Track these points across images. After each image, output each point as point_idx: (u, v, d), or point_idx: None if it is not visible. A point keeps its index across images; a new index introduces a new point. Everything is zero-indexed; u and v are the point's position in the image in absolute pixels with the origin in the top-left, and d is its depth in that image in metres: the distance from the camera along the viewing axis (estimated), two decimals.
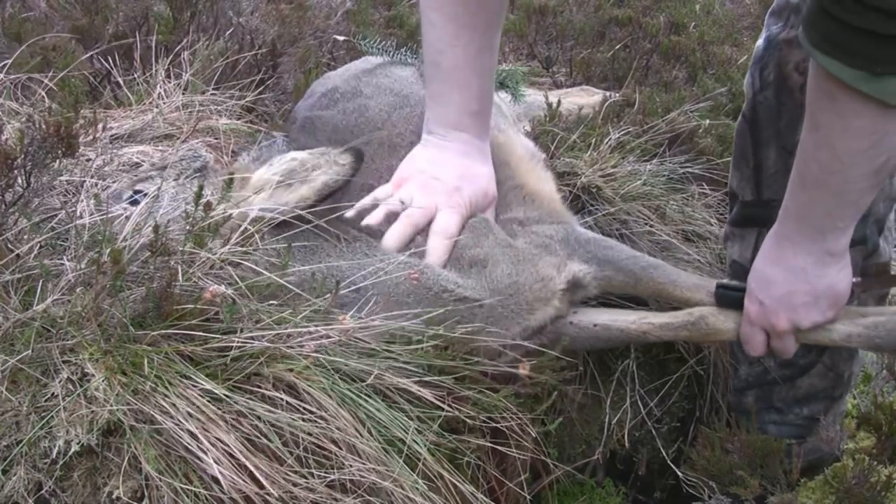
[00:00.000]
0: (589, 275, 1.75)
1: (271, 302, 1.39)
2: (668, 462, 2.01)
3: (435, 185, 1.72)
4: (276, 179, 1.56)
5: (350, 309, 1.48)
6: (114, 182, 1.63)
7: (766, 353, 1.66)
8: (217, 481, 1.19)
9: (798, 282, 1.52)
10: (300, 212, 1.54)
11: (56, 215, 1.43)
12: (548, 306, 1.70)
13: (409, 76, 2.10)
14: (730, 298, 1.69)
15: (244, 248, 1.43)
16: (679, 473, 1.79)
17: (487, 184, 1.81)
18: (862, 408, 2.18)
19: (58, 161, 1.40)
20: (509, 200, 1.86)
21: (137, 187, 1.59)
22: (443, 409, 1.40)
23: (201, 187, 1.39)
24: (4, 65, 1.88)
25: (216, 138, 2.04)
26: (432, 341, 1.46)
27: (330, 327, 1.38)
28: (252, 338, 1.32)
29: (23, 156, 1.33)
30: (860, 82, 1.20)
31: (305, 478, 1.25)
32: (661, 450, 2.04)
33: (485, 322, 1.60)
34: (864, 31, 1.14)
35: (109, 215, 1.40)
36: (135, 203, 1.54)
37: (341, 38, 2.62)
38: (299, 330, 1.36)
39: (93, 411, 1.19)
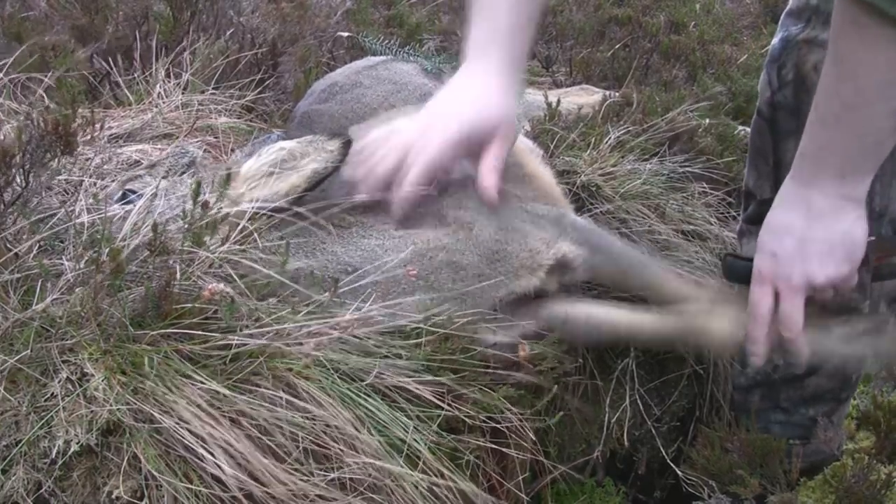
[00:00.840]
0: (579, 257, 1.75)
1: (271, 299, 1.39)
2: (668, 461, 2.01)
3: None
4: (266, 170, 1.56)
5: (348, 296, 1.49)
6: (112, 181, 1.63)
7: (772, 336, 1.55)
8: (218, 480, 1.19)
9: (814, 228, 1.44)
10: (295, 208, 1.54)
11: (55, 214, 1.43)
12: (533, 276, 1.69)
13: (411, 70, 2.10)
14: (738, 268, 1.63)
15: (242, 247, 1.42)
16: (679, 473, 1.78)
17: (496, 116, 1.64)
18: (861, 408, 2.18)
19: (56, 160, 1.39)
20: (508, 176, 1.87)
21: (128, 186, 1.59)
22: (442, 409, 1.40)
23: (199, 184, 1.39)
24: (4, 64, 1.88)
25: (216, 137, 2.04)
26: (432, 330, 1.46)
27: (328, 322, 1.38)
28: (251, 336, 1.32)
29: (21, 154, 1.33)
30: (888, 3, 1.15)
31: (306, 476, 1.25)
32: (661, 449, 2.04)
33: (473, 281, 1.61)
34: None
35: (107, 215, 1.40)
36: (127, 202, 1.53)
37: (345, 34, 2.61)
38: (299, 325, 1.35)
39: (92, 411, 1.19)
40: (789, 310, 1.51)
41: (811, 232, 1.45)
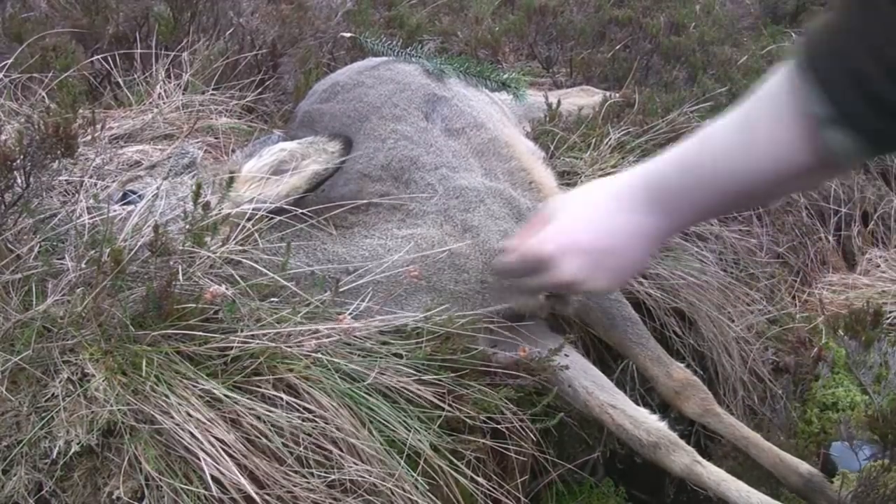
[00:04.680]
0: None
1: (272, 299, 1.39)
2: None
3: None
4: (266, 171, 1.56)
5: (349, 295, 1.49)
6: (113, 182, 1.63)
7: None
8: (217, 481, 1.19)
9: (615, 236, 1.33)
10: (297, 210, 1.54)
11: (56, 215, 1.43)
12: (532, 297, 1.67)
13: (413, 70, 2.10)
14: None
15: (243, 248, 1.43)
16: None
17: None
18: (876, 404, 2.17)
19: (57, 162, 1.40)
20: (515, 181, 1.87)
21: (128, 187, 1.59)
22: (443, 409, 1.40)
23: (199, 185, 1.39)
24: (4, 65, 1.88)
25: (216, 138, 2.04)
26: (433, 330, 1.46)
27: (329, 323, 1.38)
28: (252, 337, 1.32)
29: (22, 156, 1.33)
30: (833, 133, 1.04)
31: (306, 478, 1.25)
32: None
33: (475, 286, 1.61)
34: None
35: (109, 215, 1.40)
36: (127, 203, 1.53)
37: (347, 34, 2.61)
38: (299, 329, 1.35)
39: (93, 411, 1.19)
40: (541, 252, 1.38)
41: (608, 235, 1.34)
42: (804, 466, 1.73)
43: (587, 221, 1.38)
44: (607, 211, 1.39)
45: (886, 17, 0.96)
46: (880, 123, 1.02)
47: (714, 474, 1.67)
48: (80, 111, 1.60)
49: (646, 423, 1.71)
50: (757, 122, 1.20)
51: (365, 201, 1.68)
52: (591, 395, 1.74)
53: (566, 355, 1.70)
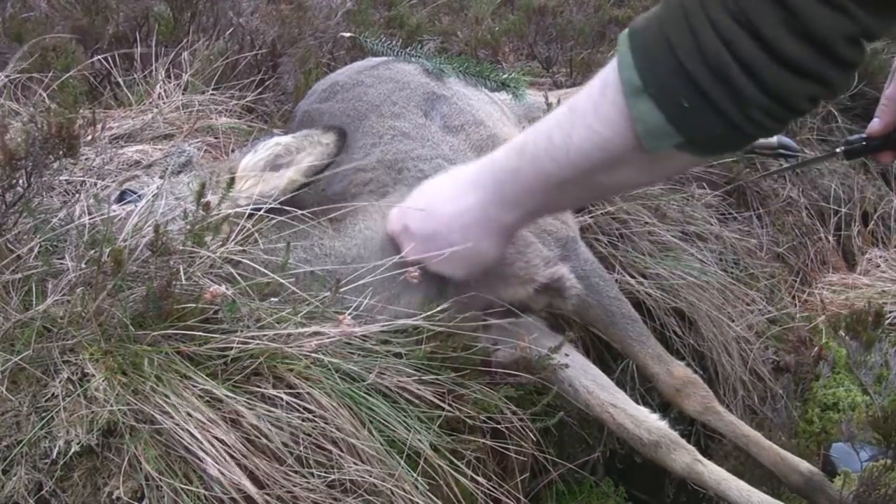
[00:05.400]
0: (574, 288, 1.74)
1: (272, 299, 1.39)
2: None
3: None
4: (262, 165, 1.56)
5: (350, 292, 1.48)
6: (113, 182, 1.63)
7: None
8: (217, 481, 1.19)
9: (467, 231, 1.37)
10: (294, 210, 1.53)
11: (56, 215, 1.43)
12: (522, 288, 1.68)
13: (413, 70, 2.10)
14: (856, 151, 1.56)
15: (243, 248, 1.43)
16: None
17: None
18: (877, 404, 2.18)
19: (58, 162, 1.40)
20: None
21: (125, 186, 1.59)
22: (443, 409, 1.40)
23: (203, 185, 1.39)
24: (5, 65, 1.88)
25: (216, 138, 2.04)
26: (433, 329, 1.46)
27: (329, 323, 1.38)
28: (252, 337, 1.32)
29: (25, 157, 1.33)
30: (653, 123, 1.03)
31: (305, 478, 1.25)
32: None
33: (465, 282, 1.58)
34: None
35: (109, 215, 1.40)
36: (126, 203, 1.53)
37: (347, 34, 2.61)
38: (300, 331, 1.35)
39: (93, 411, 1.19)
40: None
41: (442, 225, 1.40)
42: (805, 465, 1.73)
43: (428, 208, 1.38)
44: (448, 196, 1.39)
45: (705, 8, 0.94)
46: (685, 100, 0.99)
47: (715, 473, 1.67)
48: (81, 111, 1.60)
49: (646, 422, 1.71)
50: (584, 100, 1.18)
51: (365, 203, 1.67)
52: (591, 394, 1.74)
53: (566, 354, 1.70)
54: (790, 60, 0.91)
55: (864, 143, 1.53)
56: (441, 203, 1.44)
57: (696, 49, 0.96)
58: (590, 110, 1.15)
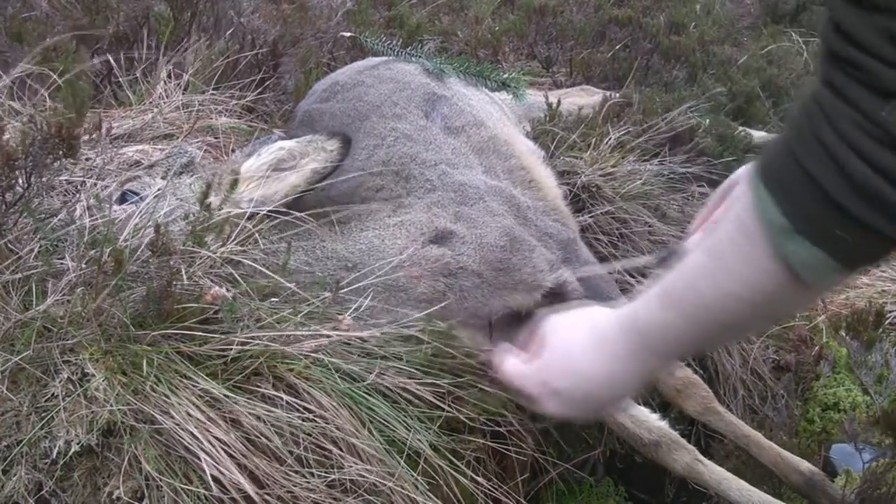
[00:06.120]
0: (576, 292, 1.72)
1: (272, 299, 1.39)
2: None
3: None
4: (265, 170, 1.56)
5: (351, 293, 1.48)
6: (113, 182, 1.63)
7: None
8: (217, 481, 1.19)
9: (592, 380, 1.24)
10: (294, 211, 1.54)
11: (56, 214, 1.43)
12: (529, 295, 1.68)
13: (413, 69, 2.10)
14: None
15: (243, 248, 1.43)
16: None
17: None
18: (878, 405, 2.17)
19: (58, 162, 1.40)
20: (515, 179, 1.86)
21: (126, 187, 1.59)
22: (443, 410, 1.40)
23: (208, 186, 1.39)
24: (6, 65, 1.88)
25: (216, 137, 2.04)
26: (434, 330, 1.46)
27: (330, 324, 1.38)
28: (252, 337, 1.32)
29: (24, 156, 1.33)
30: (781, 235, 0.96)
31: (305, 478, 1.25)
32: None
33: (471, 279, 1.60)
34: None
35: (110, 216, 1.40)
36: (127, 203, 1.53)
37: (347, 34, 2.61)
38: (300, 332, 1.35)
39: (93, 411, 1.19)
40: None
41: (586, 381, 1.23)
42: (805, 465, 1.73)
43: (568, 364, 1.28)
44: (591, 355, 1.28)
45: (848, 122, 0.88)
46: (841, 230, 0.96)
47: (715, 473, 1.67)
48: (87, 114, 1.60)
49: (647, 422, 1.70)
50: (726, 244, 1.13)
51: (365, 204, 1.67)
52: None
53: None
54: None
55: None
56: (584, 362, 1.31)
57: (846, 182, 0.93)
58: (734, 255, 1.10)
